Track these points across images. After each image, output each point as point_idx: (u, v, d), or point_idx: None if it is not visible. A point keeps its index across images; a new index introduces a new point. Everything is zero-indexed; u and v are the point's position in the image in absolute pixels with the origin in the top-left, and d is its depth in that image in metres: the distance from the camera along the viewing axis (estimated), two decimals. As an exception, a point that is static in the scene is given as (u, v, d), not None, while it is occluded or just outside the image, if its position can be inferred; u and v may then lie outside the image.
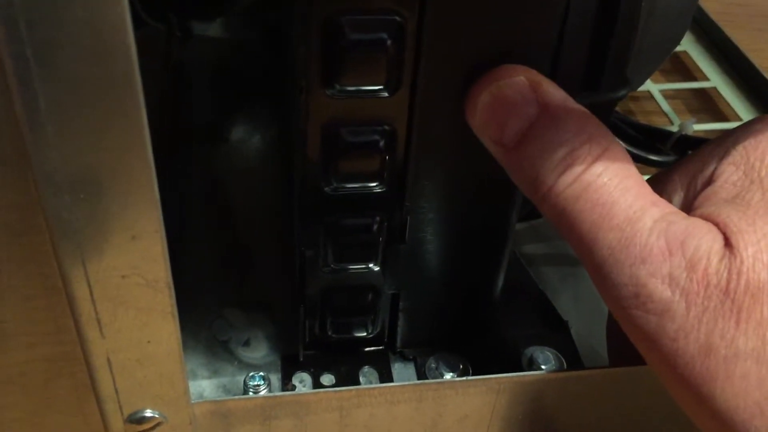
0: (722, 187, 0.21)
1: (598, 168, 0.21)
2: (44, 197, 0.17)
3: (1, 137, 0.17)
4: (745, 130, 0.22)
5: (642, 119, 0.48)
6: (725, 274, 0.19)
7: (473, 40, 0.22)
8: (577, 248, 0.21)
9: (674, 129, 0.41)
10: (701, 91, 0.51)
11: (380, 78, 0.22)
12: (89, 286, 0.19)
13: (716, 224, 0.20)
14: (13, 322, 0.21)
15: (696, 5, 0.28)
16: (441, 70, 0.22)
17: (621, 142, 0.39)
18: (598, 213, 0.20)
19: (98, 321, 0.20)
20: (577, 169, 0.21)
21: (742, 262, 0.19)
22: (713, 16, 0.54)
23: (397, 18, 0.21)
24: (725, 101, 0.49)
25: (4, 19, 0.15)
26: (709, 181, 0.22)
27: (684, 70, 0.53)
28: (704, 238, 0.19)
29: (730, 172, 0.21)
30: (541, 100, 0.22)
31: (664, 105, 0.48)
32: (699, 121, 0.47)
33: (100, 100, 0.16)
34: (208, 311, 0.32)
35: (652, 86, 0.50)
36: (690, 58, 0.53)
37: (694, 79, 0.52)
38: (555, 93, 0.22)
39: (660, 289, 0.19)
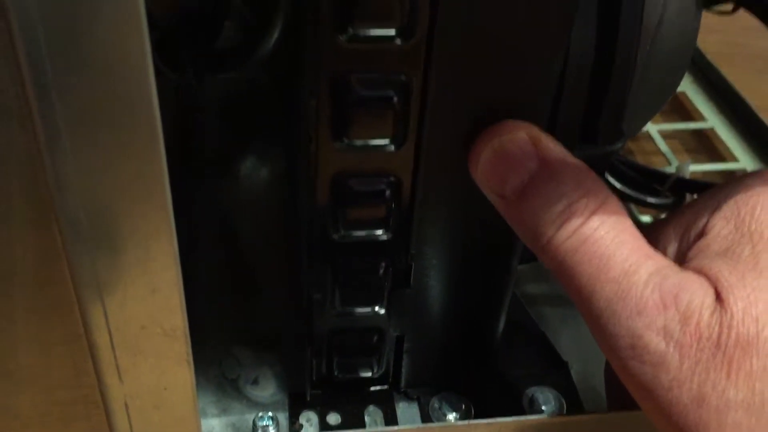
0: (714, 240, 0.22)
1: (595, 222, 0.21)
2: (70, 252, 0.18)
3: (29, 192, 0.18)
4: (737, 184, 0.23)
5: (640, 159, 0.48)
6: (716, 328, 0.20)
7: (476, 96, 0.23)
8: (575, 298, 0.22)
9: (672, 169, 0.42)
10: (699, 132, 0.51)
11: (387, 132, 0.23)
12: (110, 335, 0.20)
13: (708, 278, 0.21)
14: (33, 367, 0.22)
15: (692, 53, 0.28)
16: (445, 125, 0.23)
17: (619, 184, 0.40)
18: (595, 265, 0.21)
19: (117, 368, 0.20)
20: (575, 223, 0.21)
21: (732, 316, 0.20)
22: (711, 57, 0.54)
23: (403, 76, 0.22)
24: (722, 142, 0.50)
25: (31, 65, 0.16)
26: (702, 234, 0.23)
27: (682, 110, 0.53)
28: (696, 293, 0.20)
29: (721, 226, 0.22)
30: (541, 154, 0.22)
31: (662, 145, 0.49)
32: (696, 162, 0.47)
33: (125, 154, 0.17)
34: (218, 349, 0.32)
35: (650, 126, 0.50)
36: (688, 98, 0.53)
37: (691, 119, 0.52)
38: (554, 148, 0.23)
39: (655, 341, 0.20)
